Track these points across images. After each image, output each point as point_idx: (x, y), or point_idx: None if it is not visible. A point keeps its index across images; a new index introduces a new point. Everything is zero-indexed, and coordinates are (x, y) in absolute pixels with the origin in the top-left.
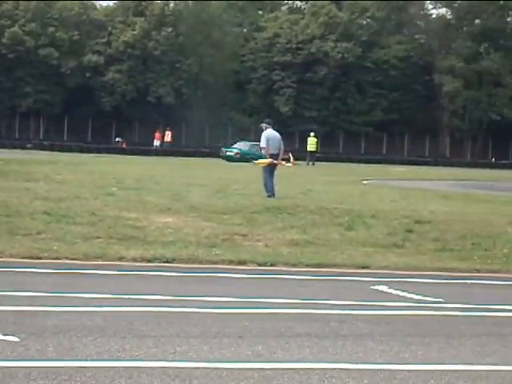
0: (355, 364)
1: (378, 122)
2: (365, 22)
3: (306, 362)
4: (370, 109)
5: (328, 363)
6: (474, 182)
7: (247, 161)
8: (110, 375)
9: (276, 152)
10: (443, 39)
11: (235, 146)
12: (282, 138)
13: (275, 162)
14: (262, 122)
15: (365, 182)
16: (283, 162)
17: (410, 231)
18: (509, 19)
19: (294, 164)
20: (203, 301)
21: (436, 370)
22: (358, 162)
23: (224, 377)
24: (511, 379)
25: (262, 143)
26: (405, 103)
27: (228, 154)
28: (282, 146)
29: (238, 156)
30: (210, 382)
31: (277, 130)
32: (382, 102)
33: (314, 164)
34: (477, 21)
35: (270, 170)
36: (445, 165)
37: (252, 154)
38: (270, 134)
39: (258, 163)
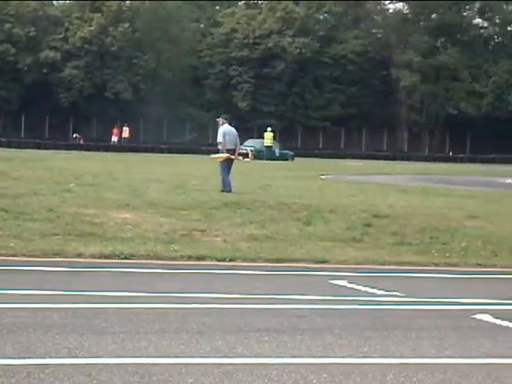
0: (314, 358)
1: (335, 116)
2: (322, 17)
3: (265, 356)
4: (327, 103)
5: (287, 358)
6: (431, 176)
7: (261, 158)
8: (69, 372)
9: (233, 147)
10: (400, 34)
11: (247, 143)
12: (240, 134)
13: (232, 157)
14: (219, 117)
15: (323, 176)
16: (240, 158)
17: (368, 225)
18: (465, 14)
19: (252, 159)
20: (162, 297)
21: (395, 364)
22: (316, 156)
23: (183, 372)
24: (469, 372)
25: (219, 138)
26: (362, 98)
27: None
28: (238, 142)
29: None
30: (169, 379)
31: (234, 126)
32: (339, 97)
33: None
34: (433, 15)
35: (228, 165)
36: (403, 159)
37: (262, 151)
38: (226, 129)
39: (216, 158)
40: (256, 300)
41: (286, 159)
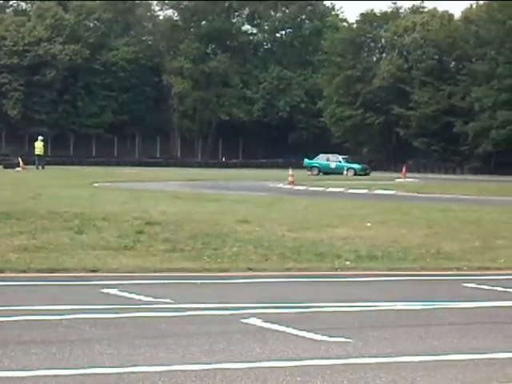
0: (82, 369)
1: (108, 124)
2: (92, 24)
3: (33, 369)
4: (100, 111)
5: (55, 369)
6: (204, 182)
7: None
8: None
9: None
10: (171, 40)
11: (315, 159)
12: (12, 142)
13: None
14: None
15: (96, 184)
16: None
17: (140, 233)
18: (234, 20)
19: (24, 168)
20: None
21: (164, 371)
22: (90, 164)
23: None
24: (237, 376)
25: None
26: (135, 105)
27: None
28: None
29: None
30: None
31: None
32: (112, 104)
33: (43, 168)
34: (203, 22)
35: None
36: (176, 165)
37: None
38: None
39: None
40: (23, 312)
41: (341, 173)
